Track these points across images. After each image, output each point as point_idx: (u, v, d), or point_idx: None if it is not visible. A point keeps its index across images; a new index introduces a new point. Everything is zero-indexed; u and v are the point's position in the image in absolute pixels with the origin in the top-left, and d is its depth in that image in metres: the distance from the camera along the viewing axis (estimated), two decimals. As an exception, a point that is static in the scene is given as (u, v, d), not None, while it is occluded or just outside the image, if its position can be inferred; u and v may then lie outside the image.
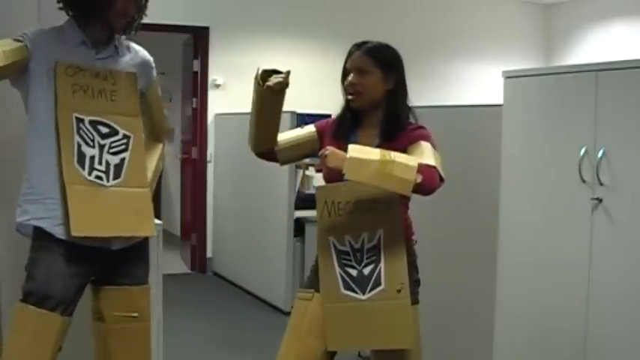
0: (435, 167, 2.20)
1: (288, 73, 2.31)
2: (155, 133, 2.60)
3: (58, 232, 2.19)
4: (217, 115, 6.53)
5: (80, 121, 2.23)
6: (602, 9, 7.61)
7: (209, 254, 6.64)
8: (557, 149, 2.88)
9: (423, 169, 2.16)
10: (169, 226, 7.53)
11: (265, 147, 2.48)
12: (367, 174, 2.14)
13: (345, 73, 2.42)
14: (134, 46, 2.47)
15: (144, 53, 2.49)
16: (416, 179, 2.13)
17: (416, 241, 2.46)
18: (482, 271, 3.34)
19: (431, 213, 3.62)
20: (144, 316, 2.38)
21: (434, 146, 2.31)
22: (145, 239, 2.42)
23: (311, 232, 5.15)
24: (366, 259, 2.29)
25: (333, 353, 2.40)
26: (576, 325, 2.77)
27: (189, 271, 6.69)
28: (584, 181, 2.74)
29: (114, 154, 2.29)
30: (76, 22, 2.28)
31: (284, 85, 2.30)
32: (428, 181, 2.16)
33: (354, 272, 2.31)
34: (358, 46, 2.41)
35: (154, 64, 2.52)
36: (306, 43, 6.83)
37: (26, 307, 2.14)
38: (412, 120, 2.43)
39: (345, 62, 2.42)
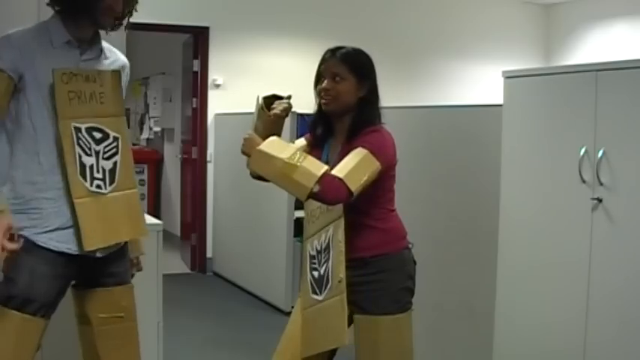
0: (341, 180, 2.14)
1: (289, 97, 2.37)
2: None
3: (40, 240, 2.15)
4: (217, 115, 6.53)
5: (78, 130, 2.18)
6: (602, 9, 7.61)
7: (209, 254, 6.63)
8: (557, 149, 2.88)
9: (325, 179, 2.14)
10: (169, 226, 7.53)
11: None
12: (268, 170, 2.20)
13: (318, 78, 2.40)
14: (113, 49, 2.39)
15: (123, 57, 2.42)
16: (313, 188, 2.13)
17: (412, 245, 2.46)
18: (482, 271, 3.34)
19: (431, 213, 3.62)
20: (130, 315, 2.35)
21: (375, 152, 2.24)
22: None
23: (311, 232, 5.15)
24: (323, 258, 2.31)
25: (333, 352, 2.40)
26: (576, 325, 2.77)
27: (189, 271, 6.69)
28: (584, 181, 2.74)
29: (107, 158, 2.25)
30: (61, 19, 2.20)
31: (289, 110, 2.36)
32: (326, 193, 2.15)
33: (316, 274, 2.34)
34: (333, 51, 2.39)
35: (128, 69, 2.45)
36: (306, 43, 6.81)
37: (7, 311, 2.10)
38: (380, 123, 2.40)
39: (319, 67, 2.40)
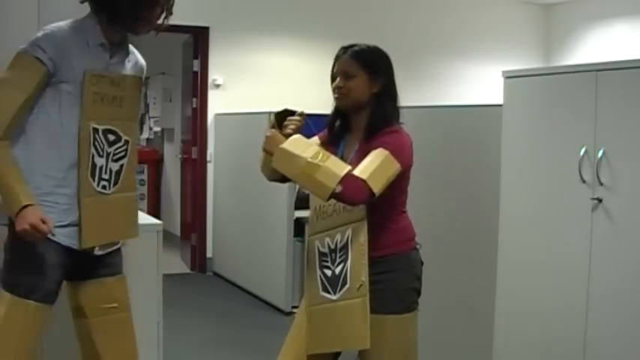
0: (363, 181, 2.15)
1: (302, 114, 2.37)
2: None
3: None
4: (217, 115, 6.53)
5: (96, 131, 2.25)
6: (602, 9, 7.61)
7: (209, 254, 6.63)
8: (557, 149, 2.88)
9: (347, 180, 2.14)
10: (169, 226, 7.53)
11: (279, 175, 2.43)
12: (291, 169, 2.21)
13: (333, 76, 2.42)
14: (134, 50, 2.43)
15: (142, 58, 2.48)
16: (335, 189, 2.13)
17: (420, 245, 2.46)
18: (482, 270, 3.34)
19: (431, 213, 3.62)
20: (123, 305, 2.40)
21: (395, 154, 2.24)
22: None
23: (311, 232, 5.14)
24: (338, 258, 2.31)
25: (337, 353, 2.41)
26: (576, 325, 2.77)
27: (189, 271, 6.69)
28: (584, 181, 2.74)
29: (116, 160, 2.32)
30: (98, 20, 2.23)
31: (301, 127, 2.36)
32: (347, 194, 2.15)
33: (329, 273, 2.33)
34: (345, 49, 2.40)
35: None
36: (306, 43, 6.83)
37: (13, 298, 2.14)
38: (398, 122, 2.40)
39: (333, 65, 2.42)
